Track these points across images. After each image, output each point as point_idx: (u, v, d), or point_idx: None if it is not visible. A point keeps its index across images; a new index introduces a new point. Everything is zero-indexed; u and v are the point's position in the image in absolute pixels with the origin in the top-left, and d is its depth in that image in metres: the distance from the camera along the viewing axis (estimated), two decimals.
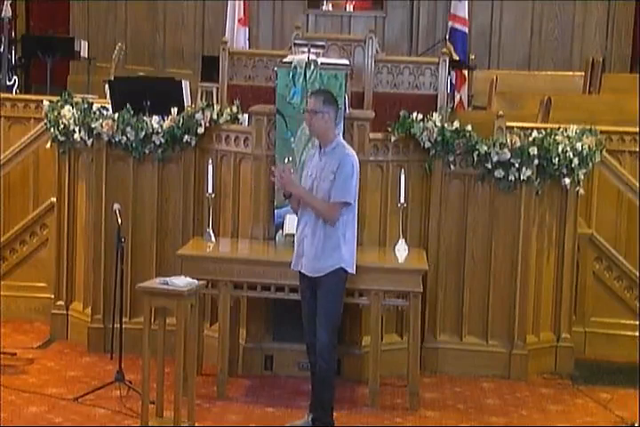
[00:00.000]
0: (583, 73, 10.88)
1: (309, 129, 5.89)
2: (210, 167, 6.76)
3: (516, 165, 6.76)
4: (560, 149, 6.80)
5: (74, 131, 7.09)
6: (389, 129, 6.77)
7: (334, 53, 7.55)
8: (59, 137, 7.21)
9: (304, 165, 6.02)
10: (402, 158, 6.83)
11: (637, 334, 7.31)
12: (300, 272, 5.84)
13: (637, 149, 7.74)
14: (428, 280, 6.74)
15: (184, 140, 6.93)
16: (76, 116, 7.10)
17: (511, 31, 12.54)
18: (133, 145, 6.97)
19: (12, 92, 10.06)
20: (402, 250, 6.66)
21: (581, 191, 7.03)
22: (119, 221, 6.40)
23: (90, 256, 7.18)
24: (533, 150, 6.74)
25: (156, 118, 6.99)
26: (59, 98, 7.40)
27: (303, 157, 6.49)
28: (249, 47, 11.54)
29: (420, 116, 6.79)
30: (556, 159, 6.79)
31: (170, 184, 7.08)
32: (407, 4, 12.60)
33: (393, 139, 6.75)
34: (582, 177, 6.98)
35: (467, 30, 11.95)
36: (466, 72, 11.34)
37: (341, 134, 6.52)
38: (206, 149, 6.98)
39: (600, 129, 7.20)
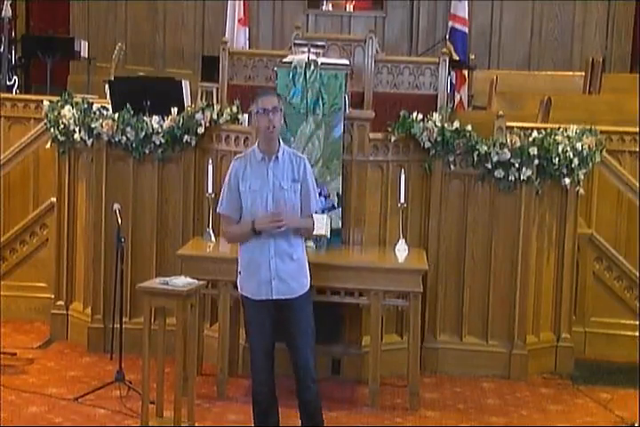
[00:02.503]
0: (583, 73, 10.87)
1: (271, 131, 5.11)
2: (210, 167, 6.76)
3: (516, 165, 6.75)
4: (560, 149, 6.79)
5: (74, 131, 7.08)
6: (389, 129, 6.76)
7: (334, 53, 7.54)
8: (59, 137, 7.21)
9: (231, 183, 5.22)
10: (402, 158, 6.82)
11: (637, 334, 7.31)
12: (258, 302, 5.24)
13: (637, 149, 7.74)
14: (428, 280, 6.73)
15: (184, 140, 6.92)
16: (76, 116, 7.10)
17: (511, 31, 12.55)
18: (133, 145, 6.97)
19: (12, 92, 10.05)
20: (402, 250, 6.65)
21: (581, 191, 7.03)
22: (119, 221, 6.40)
23: (90, 256, 7.18)
24: (533, 150, 6.74)
25: (155, 118, 6.98)
26: (59, 98, 7.40)
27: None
28: (249, 47, 11.57)
29: (420, 116, 6.78)
30: (556, 159, 6.78)
31: (170, 184, 7.07)
32: (407, 4, 12.62)
33: (393, 139, 6.74)
34: (582, 177, 6.98)
35: (467, 30, 11.98)
36: (466, 72, 11.34)
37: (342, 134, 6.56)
38: (206, 149, 6.98)
39: (600, 129, 7.19)
